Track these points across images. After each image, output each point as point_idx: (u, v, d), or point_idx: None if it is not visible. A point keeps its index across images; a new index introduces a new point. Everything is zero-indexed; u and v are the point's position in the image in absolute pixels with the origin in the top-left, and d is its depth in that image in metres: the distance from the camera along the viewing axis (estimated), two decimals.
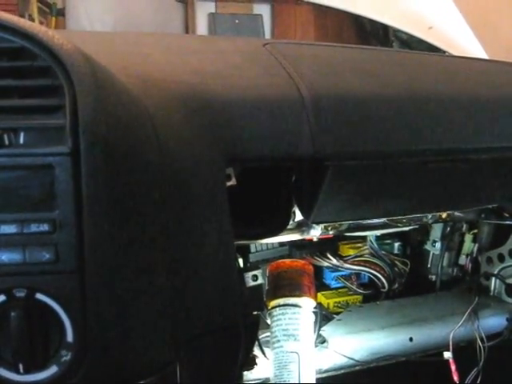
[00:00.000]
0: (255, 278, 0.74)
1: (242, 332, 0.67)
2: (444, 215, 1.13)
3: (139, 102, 0.60)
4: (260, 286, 0.74)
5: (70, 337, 0.50)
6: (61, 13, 3.79)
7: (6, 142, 0.48)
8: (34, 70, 0.51)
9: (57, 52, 0.50)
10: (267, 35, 3.98)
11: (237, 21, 3.88)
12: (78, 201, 0.49)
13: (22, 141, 0.49)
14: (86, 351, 0.50)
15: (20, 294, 0.49)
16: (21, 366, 0.49)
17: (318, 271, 1.24)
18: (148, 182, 0.55)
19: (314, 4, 3.49)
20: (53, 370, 0.50)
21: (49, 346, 0.50)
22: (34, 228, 0.48)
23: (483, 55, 1.69)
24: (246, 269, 0.75)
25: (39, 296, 0.49)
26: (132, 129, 0.55)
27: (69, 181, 0.48)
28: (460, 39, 1.67)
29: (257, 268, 0.75)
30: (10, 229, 0.48)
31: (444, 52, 1.77)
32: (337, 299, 1.24)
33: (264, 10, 4.03)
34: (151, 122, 0.59)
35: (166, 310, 0.58)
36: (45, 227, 0.49)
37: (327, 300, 1.23)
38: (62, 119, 0.49)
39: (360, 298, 1.26)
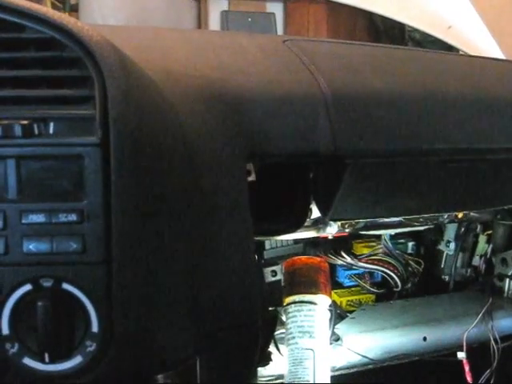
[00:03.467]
0: (274, 273, 0.74)
1: (260, 328, 0.68)
2: (460, 215, 1.13)
3: (164, 94, 0.60)
4: (279, 281, 0.74)
5: (95, 327, 0.50)
6: (74, 8, 3.80)
7: (36, 132, 0.49)
8: (64, 60, 0.51)
9: (86, 43, 0.50)
10: (280, 33, 3.97)
11: (249, 19, 3.87)
12: (106, 191, 0.49)
13: (51, 131, 0.49)
14: (110, 342, 0.51)
15: (47, 283, 0.49)
16: (46, 356, 0.49)
17: (332, 269, 1.23)
18: (174, 174, 0.55)
19: (326, 2, 3.48)
20: (77, 359, 0.50)
21: (74, 336, 0.50)
22: (62, 218, 0.49)
23: (500, 55, 1.69)
24: (265, 264, 0.76)
25: (66, 286, 0.50)
26: (159, 120, 0.55)
27: (98, 171, 0.49)
28: (477, 39, 1.66)
29: (276, 264, 0.75)
30: (39, 218, 0.49)
31: (458, 51, 1.77)
32: (350, 298, 1.24)
33: (277, 8, 4.02)
34: (175, 114, 0.59)
35: (187, 303, 0.58)
36: (73, 217, 0.49)
37: (340, 298, 1.23)
38: (92, 110, 0.49)
39: (373, 296, 1.26)
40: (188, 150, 0.59)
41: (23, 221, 0.49)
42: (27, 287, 0.49)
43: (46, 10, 0.52)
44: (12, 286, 0.49)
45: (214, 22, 3.96)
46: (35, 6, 0.51)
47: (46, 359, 0.50)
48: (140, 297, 0.52)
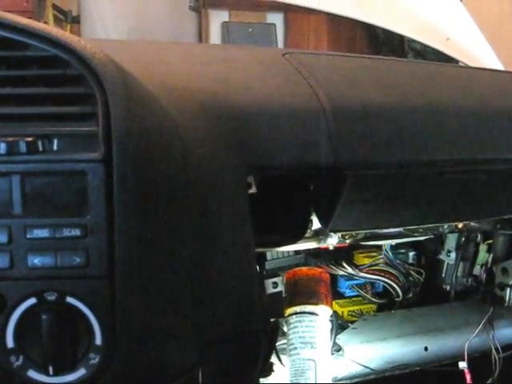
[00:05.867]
0: (275, 285, 0.74)
1: (262, 338, 0.68)
2: (460, 225, 1.13)
3: (166, 110, 0.61)
4: (280, 292, 0.75)
5: (98, 340, 0.51)
6: (76, 20, 3.83)
7: (40, 149, 0.50)
8: (67, 78, 0.52)
9: (89, 61, 0.51)
10: (280, 44, 3.99)
11: (250, 30, 3.90)
12: (109, 207, 0.50)
13: (55, 147, 0.50)
14: (113, 354, 0.51)
15: (51, 297, 0.50)
16: (50, 368, 0.50)
17: (333, 280, 1.23)
18: (175, 189, 0.56)
19: (326, 13, 3.50)
20: (81, 372, 0.51)
21: (78, 349, 0.51)
22: (65, 233, 0.50)
23: (499, 66, 1.70)
24: (267, 276, 0.76)
25: (69, 300, 0.50)
26: (161, 136, 0.56)
27: (101, 187, 0.49)
28: (476, 50, 1.67)
29: (277, 275, 0.75)
30: (43, 233, 0.50)
31: (457, 62, 1.77)
32: (351, 308, 1.24)
33: (277, 19, 4.05)
34: (177, 129, 0.60)
35: (190, 315, 0.58)
36: (76, 232, 0.50)
37: (341, 308, 1.23)
38: (95, 127, 0.50)
39: (374, 306, 1.26)
40: (189, 164, 0.60)
41: (28, 236, 0.50)
42: (32, 301, 0.50)
43: (50, 28, 0.53)
44: (17, 300, 0.50)
45: (215, 33, 3.99)
46: (39, 25, 0.52)
47: (50, 372, 0.50)
48: (142, 309, 0.52)
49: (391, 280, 1.25)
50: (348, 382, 1.06)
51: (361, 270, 1.23)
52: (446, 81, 0.96)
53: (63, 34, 0.53)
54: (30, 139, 0.49)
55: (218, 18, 4.00)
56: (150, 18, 3.79)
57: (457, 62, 1.77)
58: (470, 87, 0.96)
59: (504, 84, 1.03)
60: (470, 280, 1.31)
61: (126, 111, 0.51)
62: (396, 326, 1.15)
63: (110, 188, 0.50)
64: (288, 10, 4.10)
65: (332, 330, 1.03)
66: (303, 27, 4.10)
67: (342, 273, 1.22)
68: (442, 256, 1.31)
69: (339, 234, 1.00)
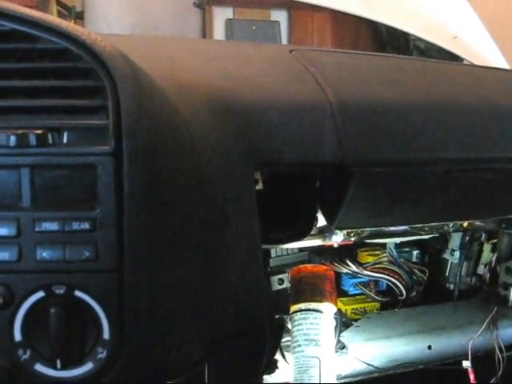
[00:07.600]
0: (281, 281, 0.74)
1: (268, 335, 0.68)
2: (465, 224, 1.13)
3: (174, 104, 0.61)
4: (286, 289, 0.75)
5: (106, 334, 0.51)
6: (79, 16, 3.83)
7: (50, 141, 0.49)
8: (77, 71, 0.52)
9: (100, 54, 0.51)
10: (284, 41, 3.99)
11: (254, 27, 3.89)
12: (118, 200, 0.50)
13: (65, 140, 0.50)
14: (121, 349, 0.51)
15: (59, 290, 0.50)
16: (58, 362, 0.50)
17: (337, 277, 1.23)
18: (184, 183, 0.56)
19: (331, 11, 3.49)
20: (88, 366, 0.51)
21: (85, 343, 0.51)
22: (75, 226, 0.49)
23: (505, 65, 1.70)
24: (273, 272, 0.76)
25: (78, 293, 0.50)
26: (170, 130, 0.56)
27: (110, 180, 0.49)
28: (483, 49, 1.67)
29: (283, 272, 0.75)
30: (52, 226, 0.49)
31: (462, 61, 1.77)
32: (354, 306, 1.24)
33: (281, 16, 4.05)
34: (185, 124, 0.60)
35: (197, 310, 0.58)
36: (85, 225, 0.49)
37: (345, 306, 1.23)
38: (105, 120, 0.50)
39: (378, 305, 1.26)
40: (198, 159, 0.60)
41: (37, 229, 0.50)
42: (40, 294, 0.50)
43: (60, 21, 0.53)
44: (25, 293, 0.50)
45: (219, 30, 3.98)
46: (50, 18, 0.52)
47: (58, 365, 0.50)
48: (151, 304, 0.52)
49: (395, 278, 1.25)
50: (351, 379, 1.06)
51: (365, 268, 1.23)
52: (452, 79, 0.96)
53: (74, 27, 0.53)
54: (39, 132, 0.49)
55: (221, 15, 3.99)
56: (153, 14, 3.79)
57: (462, 60, 1.77)
58: (477, 86, 0.95)
59: (510, 83, 1.03)
60: (473, 279, 1.31)
61: (136, 105, 0.50)
62: (399, 325, 1.15)
63: (119, 181, 0.50)
64: (292, 7, 4.09)
65: (336, 327, 1.03)
66: (307, 25, 4.09)
67: (345, 271, 1.22)
68: (446, 255, 1.31)
69: (344, 232, 1.00)
